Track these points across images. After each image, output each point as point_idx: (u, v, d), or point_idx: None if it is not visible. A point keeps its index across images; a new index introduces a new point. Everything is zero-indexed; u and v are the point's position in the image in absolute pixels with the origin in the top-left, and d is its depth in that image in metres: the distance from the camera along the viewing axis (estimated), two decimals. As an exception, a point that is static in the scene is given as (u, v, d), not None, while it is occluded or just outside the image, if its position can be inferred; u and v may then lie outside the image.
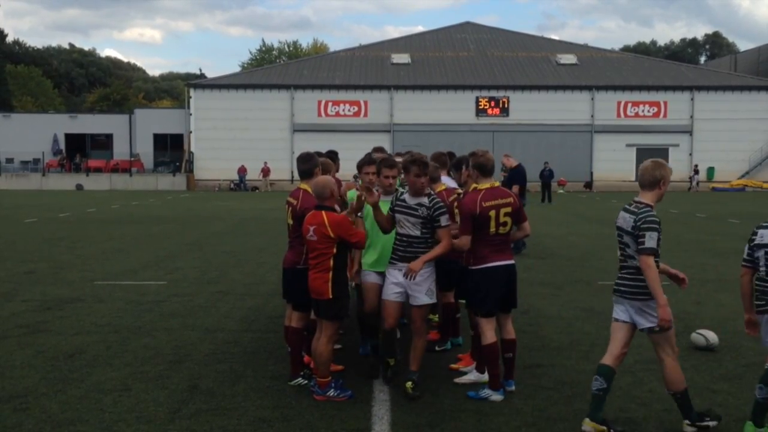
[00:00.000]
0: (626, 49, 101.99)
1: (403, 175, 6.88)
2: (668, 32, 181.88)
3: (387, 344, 6.92)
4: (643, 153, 55.19)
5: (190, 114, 56.33)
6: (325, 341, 6.44)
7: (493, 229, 6.47)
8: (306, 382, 6.76)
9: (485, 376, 6.75)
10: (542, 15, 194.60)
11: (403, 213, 6.57)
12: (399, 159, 8.29)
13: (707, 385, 6.90)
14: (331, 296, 6.36)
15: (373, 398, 6.50)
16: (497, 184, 6.71)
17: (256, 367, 7.43)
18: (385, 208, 6.73)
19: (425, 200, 6.53)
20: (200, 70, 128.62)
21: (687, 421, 5.66)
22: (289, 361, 7.07)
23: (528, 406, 6.27)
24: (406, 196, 6.61)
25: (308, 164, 7.07)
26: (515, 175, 16.40)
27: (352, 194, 7.49)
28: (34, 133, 59.32)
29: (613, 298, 5.76)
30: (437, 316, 8.50)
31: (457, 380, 6.98)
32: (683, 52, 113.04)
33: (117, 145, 60.60)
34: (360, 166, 7.60)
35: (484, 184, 6.59)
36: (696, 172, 53.88)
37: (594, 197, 43.67)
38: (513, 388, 6.63)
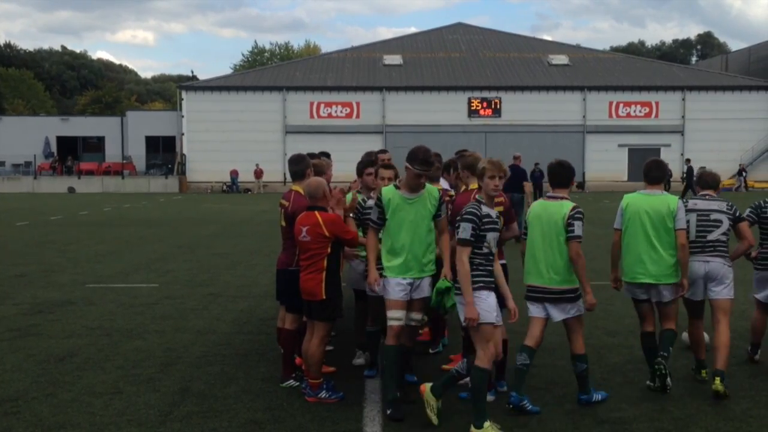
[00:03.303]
0: (616, 49, 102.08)
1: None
2: (660, 32, 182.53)
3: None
4: (635, 153, 55.35)
5: (182, 116, 56.20)
6: (317, 343, 6.43)
7: (486, 229, 6.47)
8: (297, 383, 6.76)
9: (477, 377, 6.75)
10: (535, 15, 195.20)
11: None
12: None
13: (701, 384, 6.91)
14: (324, 297, 6.34)
15: (364, 399, 6.51)
16: None
17: (248, 369, 7.42)
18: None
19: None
20: (192, 72, 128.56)
21: None
22: (280, 363, 7.07)
23: (519, 406, 6.27)
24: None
25: (300, 165, 7.08)
26: (523, 174, 18.34)
27: (350, 196, 7.50)
28: (26, 135, 59.07)
29: None
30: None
31: (449, 381, 6.97)
32: (675, 52, 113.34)
33: (109, 147, 60.45)
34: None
35: (475, 184, 6.60)
36: (744, 171, 52.42)
37: (586, 198, 43.69)
38: (504, 388, 6.65)
